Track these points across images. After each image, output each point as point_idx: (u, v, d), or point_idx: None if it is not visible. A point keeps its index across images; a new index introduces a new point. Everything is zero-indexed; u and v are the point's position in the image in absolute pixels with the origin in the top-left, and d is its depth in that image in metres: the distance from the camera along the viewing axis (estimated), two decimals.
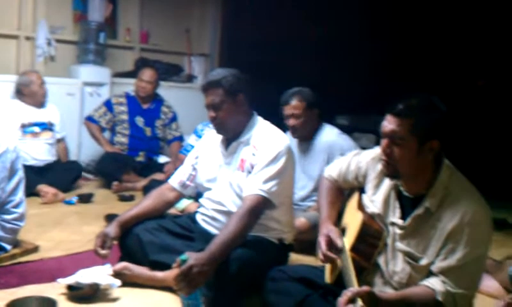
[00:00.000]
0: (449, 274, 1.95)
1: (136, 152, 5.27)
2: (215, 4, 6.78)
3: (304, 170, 3.69)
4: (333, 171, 2.51)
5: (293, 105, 3.60)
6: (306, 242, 3.25)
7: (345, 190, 2.51)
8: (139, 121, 5.32)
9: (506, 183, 5.74)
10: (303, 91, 3.66)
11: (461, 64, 6.70)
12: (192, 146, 3.65)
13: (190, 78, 6.56)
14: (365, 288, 1.84)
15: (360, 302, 1.74)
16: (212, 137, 2.85)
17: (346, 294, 1.81)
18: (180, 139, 5.43)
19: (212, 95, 2.65)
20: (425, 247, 2.02)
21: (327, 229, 2.30)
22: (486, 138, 6.46)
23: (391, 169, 2.05)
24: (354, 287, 1.91)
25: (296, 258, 3.01)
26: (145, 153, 5.31)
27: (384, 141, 2.04)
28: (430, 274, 2.01)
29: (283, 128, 3.71)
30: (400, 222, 2.09)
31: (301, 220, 3.35)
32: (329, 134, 3.71)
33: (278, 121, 3.58)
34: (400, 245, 2.09)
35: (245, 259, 2.44)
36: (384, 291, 2.11)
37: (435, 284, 1.97)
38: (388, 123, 2.01)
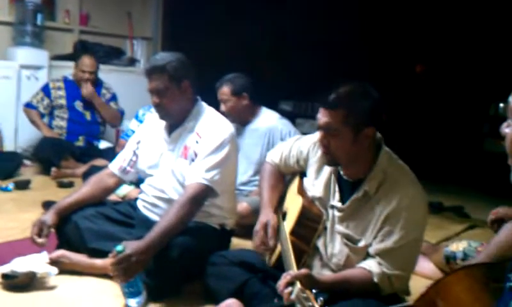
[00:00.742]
0: (385, 255, 2.01)
1: (75, 136, 5.16)
2: None
3: (245, 154, 3.71)
4: (274, 156, 2.54)
5: (221, 91, 3.71)
6: (248, 226, 3.26)
7: (286, 175, 2.54)
8: (78, 105, 5.21)
9: (443, 168, 5.94)
10: (232, 78, 3.74)
11: (399, 49, 6.84)
12: (133, 131, 3.60)
13: (132, 61, 6.45)
14: (303, 271, 1.89)
15: (298, 284, 1.77)
16: (154, 123, 2.81)
17: (285, 277, 1.85)
18: (121, 113, 5.35)
19: (156, 80, 2.60)
20: (363, 229, 2.08)
21: (266, 216, 2.34)
22: (424, 123, 6.64)
23: (329, 158, 2.11)
24: (293, 270, 1.95)
25: (237, 242, 3.02)
26: (85, 138, 5.20)
27: (320, 133, 2.09)
28: (367, 256, 2.08)
29: None
30: (339, 205, 2.14)
31: (242, 205, 3.37)
32: (269, 119, 3.77)
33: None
34: (339, 227, 2.14)
35: (186, 245, 2.43)
36: (323, 273, 2.16)
37: (372, 265, 2.03)
38: (322, 116, 2.05)
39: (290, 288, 1.80)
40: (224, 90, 3.70)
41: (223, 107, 3.68)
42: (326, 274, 2.14)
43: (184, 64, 2.65)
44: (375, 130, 2.06)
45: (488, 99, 5.77)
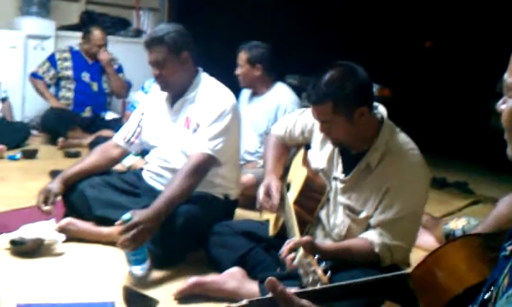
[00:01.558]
0: (386, 226, 2.04)
1: (82, 107, 5.18)
2: None
3: (253, 124, 3.74)
4: (279, 128, 2.56)
5: (239, 55, 3.75)
6: (253, 197, 3.29)
7: (291, 147, 2.57)
8: (85, 76, 5.22)
9: (448, 143, 5.94)
10: (252, 45, 3.75)
11: (408, 25, 6.78)
12: (139, 103, 3.62)
13: (138, 33, 6.42)
14: (306, 237, 1.92)
15: (301, 251, 1.80)
16: (158, 94, 2.82)
17: (288, 244, 1.88)
18: (128, 84, 5.37)
19: (155, 52, 2.60)
20: (364, 201, 2.11)
21: (268, 180, 2.38)
22: (431, 99, 6.61)
23: (333, 141, 2.16)
24: (296, 237, 1.98)
25: (241, 213, 3.06)
26: (91, 109, 5.23)
27: (319, 124, 2.14)
28: (369, 227, 2.10)
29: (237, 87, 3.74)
30: (342, 176, 2.17)
31: (247, 176, 3.40)
32: (280, 94, 3.76)
33: (234, 82, 3.62)
34: (341, 199, 2.17)
35: (190, 214, 2.47)
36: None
37: (373, 236, 2.06)
38: (313, 112, 2.12)
39: (293, 254, 1.83)
40: (241, 55, 3.74)
41: (238, 71, 3.74)
42: (328, 242, 2.17)
43: (183, 35, 2.65)
44: (368, 107, 2.08)
45: (495, 76, 5.75)
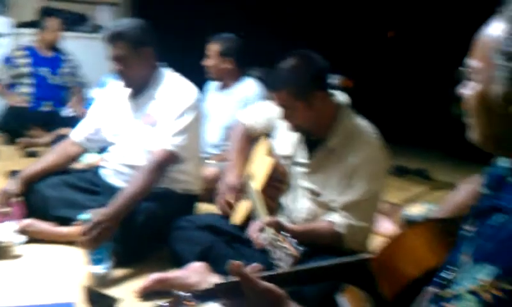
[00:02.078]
0: (349, 208, 2.13)
1: (41, 102, 5.13)
2: None
3: (218, 117, 3.74)
4: (246, 116, 2.62)
5: (210, 46, 3.72)
6: (216, 191, 3.30)
7: (255, 137, 2.62)
8: (43, 71, 5.15)
9: (409, 131, 6.04)
10: (224, 38, 3.75)
11: (371, 16, 6.84)
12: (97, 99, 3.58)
13: (97, 28, 6.33)
14: (274, 218, 2.03)
15: (269, 231, 1.87)
16: (117, 90, 2.80)
17: (257, 224, 1.96)
18: (80, 85, 5.32)
19: (116, 48, 2.58)
20: (327, 183, 2.19)
21: (231, 178, 2.46)
22: (393, 88, 6.70)
23: (294, 127, 2.23)
24: (263, 218, 2.06)
25: (204, 207, 3.06)
26: (50, 103, 5.16)
27: (280, 112, 2.21)
28: (331, 210, 2.18)
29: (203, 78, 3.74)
30: (305, 161, 2.25)
31: (210, 170, 3.40)
32: (248, 89, 3.75)
33: (199, 74, 3.61)
34: (304, 183, 2.25)
35: (151, 211, 2.47)
36: None
37: (336, 218, 2.14)
38: (275, 97, 2.20)
39: (261, 234, 1.91)
40: (212, 47, 3.71)
41: (206, 62, 3.71)
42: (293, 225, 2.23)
43: (145, 30, 2.63)
44: (325, 92, 2.17)
45: (454, 64, 5.83)
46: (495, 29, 0.96)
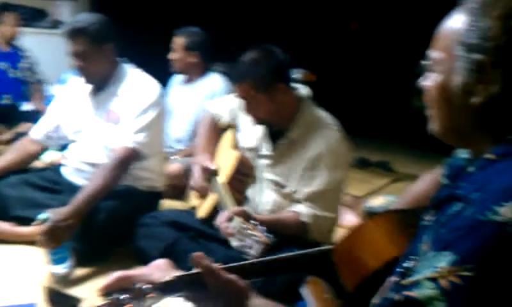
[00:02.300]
0: (312, 198, 2.16)
1: (1, 95, 4.99)
2: None
3: (183, 111, 3.71)
4: (213, 108, 2.63)
5: (175, 40, 3.70)
6: (180, 187, 3.29)
7: (221, 130, 2.62)
8: (2, 65, 5.03)
9: (371, 124, 6.11)
10: (190, 32, 3.72)
11: (334, 8, 6.87)
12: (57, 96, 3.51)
13: (56, 24, 6.20)
14: (241, 208, 2.06)
15: (238, 219, 1.89)
16: (78, 86, 2.75)
17: (225, 213, 1.98)
18: (39, 81, 5.21)
19: (77, 43, 2.53)
20: (290, 174, 2.22)
21: (200, 160, 2.48)
22: (356, 81, 6.76)
23: (256, 119, 2.27)
24: (231, 208, 2.08)
25: (168, 204, 3.04)
26: (9, 97, 5.04)
27: (243, 104, 2.24)
28: (295, 201, 2.21)
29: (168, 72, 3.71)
30: (269, 153, 2.28)
31: (174, 166, 3.39)
32: (214, 84, 3.72)
33: (161, 69, 3.58)
34: (268, 175, 2.28)
35: (113, 209, 2.45)
36: None
37: (301, 208, 2.17)
38: (236, 89, 2.25)
39: (229, 223, 1.93)
40: (178, 40, 3.69)
41: (171, 55, 3.69)
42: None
43: (106, 26, 2.59)
44: (286, 85, 2.21)
45: (415, 56, 5.91)
46: (456, 20, 0.97)
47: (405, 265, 1.02)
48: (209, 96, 3.61)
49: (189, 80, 3.79)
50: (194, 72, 3.75)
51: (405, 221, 1.25)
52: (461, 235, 0.85)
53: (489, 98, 0.92)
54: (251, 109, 2.22)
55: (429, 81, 1.02)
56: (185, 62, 3.70)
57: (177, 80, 3.88)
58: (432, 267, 0.86)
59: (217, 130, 2.61)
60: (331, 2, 6.79)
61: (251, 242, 1.75)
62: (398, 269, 1.05)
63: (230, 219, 1.95)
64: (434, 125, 1.03)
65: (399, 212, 1.46)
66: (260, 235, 1.73)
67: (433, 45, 1.02)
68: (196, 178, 2.45)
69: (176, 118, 3.73)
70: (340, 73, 6.78)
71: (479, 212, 0.84)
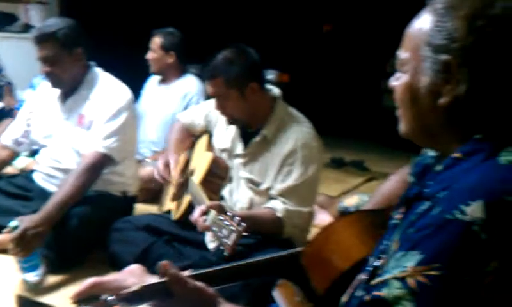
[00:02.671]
0: (287, 193, 2.18)
1: None
2: None
3: (158, 112, 3.69)
4: (186, 115, 2.66)
5: (153, 40, 3.72)
6: (153, 190, 3.27)
7: (193, 134, 2.63)
8: None
9: (345, 124, 6.15)
10: (166, 32, 3.73)
11: (306, 9, 6.89)
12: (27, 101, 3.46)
13: (26, 28, 6.11)
14: (216, 202, 2.07)
15: (213, 212, 1.91)
16: (48, 91, 2.72)
17: (200, 208, 1.98)
18: (9, 84, 5.12)
19: (46, 48, 2.49)
20: (265, 172, 2.24)
21: (168, 157, 2.53)
22: (327, 81, 6.79)
23: (230, 119, 2.28)
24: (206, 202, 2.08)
25: (143, 208, 3.02)
26: None
27: (215, 102, 2.27)
28: (270, 198, 2.23)
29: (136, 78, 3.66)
30: (242, 151, 2.30)
31: (148, 169, 3.36)
32: (189, 85, 3.72)
33: (131, 72, 3.54)
34: (243, 173, 2.30)
35: (85, 215, 2.43)
36: None
37: (276, 204, 2.18)
38: (209, 87, 2.26)
39: (205, 217, 1.94)
40: (155, 40, 3.69)
41: (149, 55, 3.70)
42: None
43: (76, 30, 2.56)
44: (259, 83, 2.23)
45: (386, 57, 5.99)
46: (423, 21, 0.98)
47: (374, 263, 1.02)
48: (184, 97, 3.63)
49: (165, 81, 3.78)
50: (171, 73, 3.74)
51: (375, 221, 1.25)
52: (428, 234, 0.86)
53: (456, 98, 0.93)
54: (222, 106, 2.24)
55: (397, 81, 1.02)
56: (162, 62, 3.70)
57: (153, 81, 3.87)
58: (401, 267, 0.86)
59: (189, 136, 2.63)
60: (303, 3, 6.82)
61: (226, 232, 1.78)
62: (367, 268, 1.05)
63: (205, 213, 1.96)
64: (402, 125, 1.03)
65: (369, 211, 1.46)
66: (235, 225, 1.76)
67: (402, 45, 1.02)
68: (159, 169, 2.50)
69: (150, 119, 3.71)
70: (313, 73, 6.82)
71: (446, 211, 0.85)
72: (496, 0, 0.92)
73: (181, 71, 3.77)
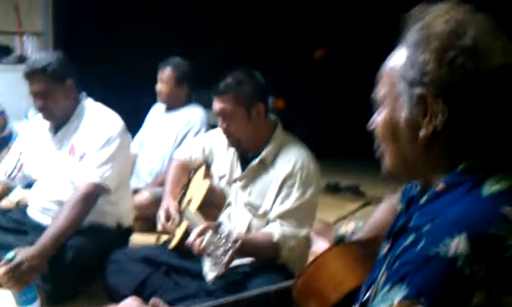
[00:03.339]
0: (284, 216, 2.20)
1: None
2: None
3: (159, 140, 3.68)
4: (182, 151, 2.67)
5: (165, 72, 3.66)
6: (151, 218, 3.24)
7: (191, 169, 2.64)
8: None
9: (341, 149, 6.16)
10: (177, 63, 3.71)
11: (300, 34, 6.95)
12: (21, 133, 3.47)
13: (22, 59, 6.14)
14: (213, 223, 2.12)
15: (210, 232, 1.93)
16: (39, 123, 2.73)
17: (196, 230, 2.00)
18: (2, 113, 5.13)
19: (38, 83, 2.51)
20: (263, 195, 2.26)
21: (167, 203, 2.47)
22: (323, 106, 6.83)
23: (232, 140, 2.31)
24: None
25: (140, 239, 3.01)
26: None
27: (219, 120, 2.29)
28: (269, 222, 2.24)
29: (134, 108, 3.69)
30: (240, 175, 2.33)
31: (144, 195, 3.36)
32: (194, 113, 3.71)
33: (128, 101, 3.54)
34: (242, 197, 2.31)
35: (81, 247, 2.42)
36: None
37: (273, 227, 2.19)
38: (217, 104, 2.28)
39: (201, 238, 1.95)
40: (168, 73, 3.65)
41: (160, 87, 3.66)
42: None
43: (65, 62, 2.58)
44: (265, 106, 2.29)
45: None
46: (397, 57, 0.99)
47: (366, 294, 1.03)
48: (187, 123, 3.62)
49: (171, 109, 3.75)
50: (179, 101, 3.73)
51: (365, 251, 1.25)
52: (413, 270, 0.86)
53: (435, 130, 0.94)
54: (227, 125, 2.26)
55: (377, 116, 1.03)
56: (175, 93, 3.68)
57: (159, 109, 3.84)
58: (388, 300, 0.86)
59: (186, 172, 2.64)
60: (297, 28, 6.88)
61: (222, 250, 1.82)
62: (359, 299, 1.05)
63: (202, 234, 1.97)
64: (386, 162, 1.04)
65: (359, 242, 1.46)
66: (231, 242, 1.80)
67: (379, 81, 1.03)
68: (161, 220, 2.43)
69: (154, 147, 3.71)
70: (308, 97, 6.85)
71: (430, 245, 0.85)
72: (468, 30, 0.93)
73: (188, 99, 3.78)
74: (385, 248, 1.03)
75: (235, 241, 1.83)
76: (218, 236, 1.87)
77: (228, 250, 1.80)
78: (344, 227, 3.10)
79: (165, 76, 3.66)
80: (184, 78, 3.68)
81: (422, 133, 0.95)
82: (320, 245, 3.03)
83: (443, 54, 0.92)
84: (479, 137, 0.94)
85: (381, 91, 1.02)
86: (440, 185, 0.94)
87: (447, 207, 0.90)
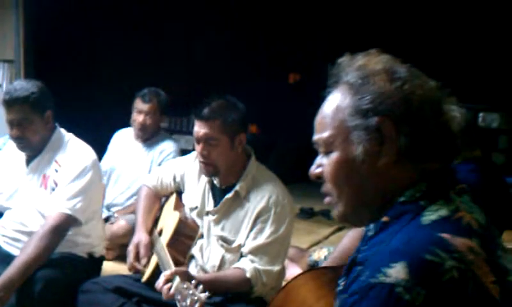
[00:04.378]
0: (257, 252, 2.18)
1: None
2: (14, 6, 6.32)
3: (134, 169, 3.64)
4: (151, 178, 2.63)
5: (148, 104, 3.62)
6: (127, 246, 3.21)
7: (162, 196, 2.62)
8: None
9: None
10: (156, 92, 3.70)
11: (273, 60, 7.00)
12: None
13: None
14: (181, 268, 2.07)
15: (178, 279, 1.90)
16: (10, 152, 2.69)
17: (165, 275, 1.97)
18: None
19: (17, 112, 2.47)
20: (236, 229, 2.24)
21: (138, 237, 2.43)
22: (297, 130, 6.85)
23: (210, 168, 2.27)
24: (172, 268, 2.07)
25: (112, 267, 2.97)
26: None
27: (200, 145, 2.25)
28: (241, 257, 2.22)
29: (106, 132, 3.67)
30: (213, 209, 2.30)
31: (120, 224, 3.34)
32: (167, 142, 3.71)
33: (105, 127, 3.48)
34: (215, 231, 2.29)
35: (50, 278, 2.37)
36: None
37: (244, 263, 2.18)
38: (200, 128, 2.23)
39: (169, 284, 1.92)
40: (152, 105, 3.60)
41: (138, 118, 3.60)
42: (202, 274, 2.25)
43: (46, 93, 2.56)
44: (245, 138, 2.28)
45: None
46: (337, 99, 1.02)
47: None
48: (160, 153, 3.61)
49: (146, 139, 3.71)
50: (154, 131, 3.71)
51: (332, 278, 1.27)
52: (357, 299, 0.88)
53: (399, 152, 0.97)
54: (208, 151, 2.22)
55: (326, 163, 1.03)
56: (157, 124, 3.68)
57: (127, 136, 3.78)
58: None
59: (157, 200, 2.61)
60: (270, 53, 6.94)
61: (189, 302, 1.79)
62: None
63: (169, 280, 1.95)
64: (340, 208, 1.04)
65: (327, 268, 1.48)
66: (198, 293, 1.77)
67: (319, 129, 1.05)
68: (130, 259, 2.39)
69: (126, 175, 3.67)
70: (281, 123, 6.89)
71: (372, 274, 0.88)
72: (397, 67, 0.99)
73: (159, 128, 3.77)
74: (341, 285, 1.05)
75: (203, 291, 1.80)
76: (186, 285, 1.85)
77: (196, 302, 1.77)
78: (317, 253, 3.13)
79: (147, 108, 3.61)
80: (166, 108, 3.70)
81: (383, 160, 0.97)
82: (293, 272, 3.04)
83: (393, 83, 0.97)
84: (428, 158, 0.98)
85: (324, 135, 1.03)
86: (385, 217, 0.97)
87: (389, 238, 0.93)
